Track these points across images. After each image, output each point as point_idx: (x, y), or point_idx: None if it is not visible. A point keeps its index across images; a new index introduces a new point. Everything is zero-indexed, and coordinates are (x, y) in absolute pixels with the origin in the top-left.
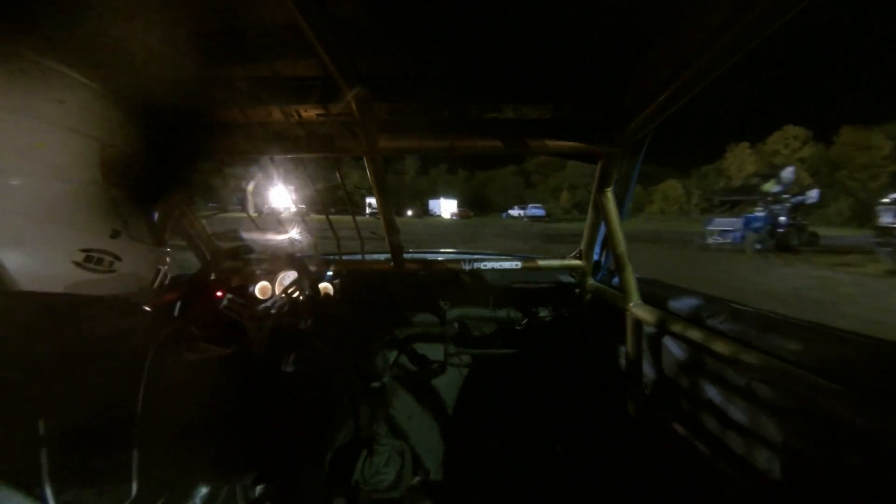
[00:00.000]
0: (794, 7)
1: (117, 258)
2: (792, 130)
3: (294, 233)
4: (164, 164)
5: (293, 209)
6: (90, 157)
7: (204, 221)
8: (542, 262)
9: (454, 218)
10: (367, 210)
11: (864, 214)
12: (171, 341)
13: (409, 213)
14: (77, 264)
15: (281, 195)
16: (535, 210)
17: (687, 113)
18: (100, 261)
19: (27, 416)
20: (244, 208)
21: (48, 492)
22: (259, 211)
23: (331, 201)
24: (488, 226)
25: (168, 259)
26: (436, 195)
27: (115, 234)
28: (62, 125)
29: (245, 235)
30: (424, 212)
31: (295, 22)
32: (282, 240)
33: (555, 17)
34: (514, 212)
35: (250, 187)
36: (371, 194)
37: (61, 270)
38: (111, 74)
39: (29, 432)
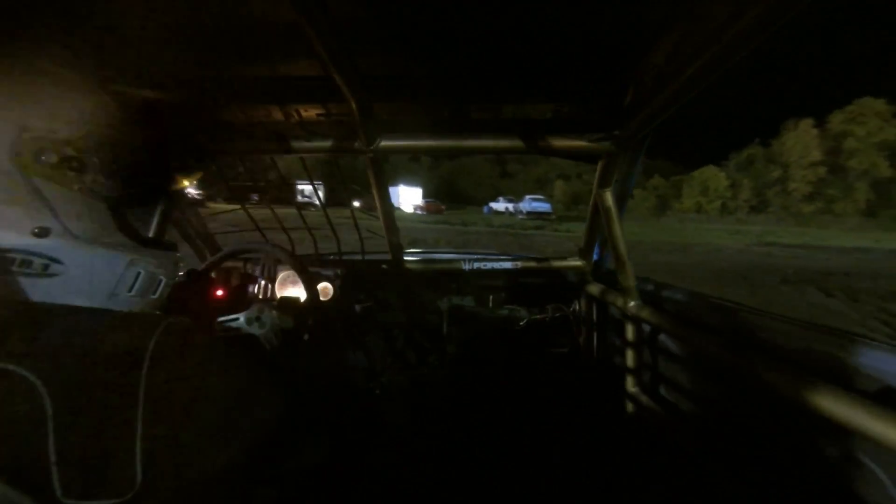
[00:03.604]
0: (797, 6)
1: (55, 260)
2: (871, 104)
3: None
4: (157, 162)
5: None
6: None
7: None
8: (541, 263)
9: (419, 213)
10: (299, 198)
11: None
12: (173, 331)
13: (357, 203)
14: None
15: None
16: (536, 204)
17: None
18: (26, 263)
19: (35, 411)
20: (241, 203)
21: (55, 481)
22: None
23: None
24: (477, 227)
25: (162, 264)
26: (394, 182)
27: (42, 233)
28: None
29: (245, 234)
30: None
31: (295, 22)
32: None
33: (555, 17)
34: (499, 205)
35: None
36: (305, 181)
37: None
38: (109, 70)
39: (36, 426)
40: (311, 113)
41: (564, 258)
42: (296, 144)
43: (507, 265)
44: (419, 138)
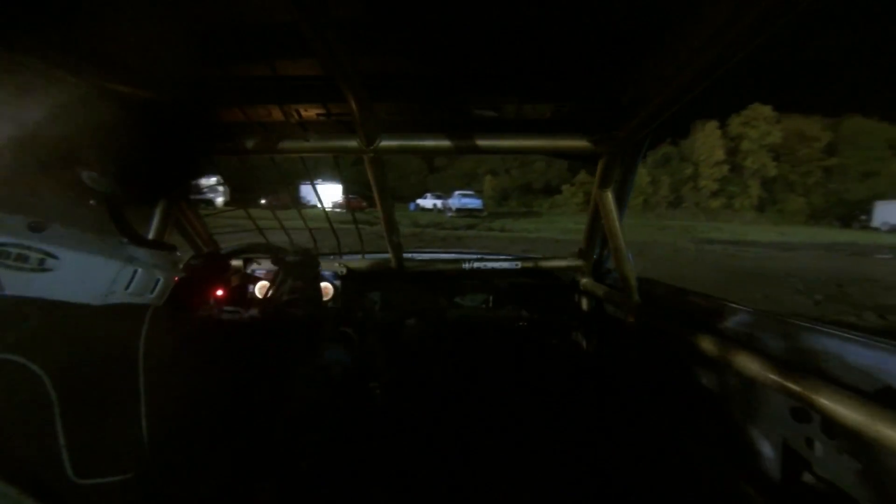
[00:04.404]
0: (796, 6)
1: (50, 255)
2: (761, 110)
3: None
4: (155, 162)
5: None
6: None
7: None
8: (542, 263)
9: (339, 210)
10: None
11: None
12: (168, 311)
13: (264, 201)
14: None
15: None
16: (466, 200)
17: None
18: (22, 258)
19: (40, 398)
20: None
21: (66, 463)
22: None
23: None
24: (400, 227)
25: (160, 264)
26: (315, 179)
27: (36, 227)
28: None
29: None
30: (295, 201)
31: (295, 22)
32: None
33: (555, 17)
34: (427, 202)
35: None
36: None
37: None
38: (107, 69)
39: (43, 413)
40: (311, 113)
41: (564, 258)
42: (296, 144)
43: (507, 265)
44: (419, 138)
